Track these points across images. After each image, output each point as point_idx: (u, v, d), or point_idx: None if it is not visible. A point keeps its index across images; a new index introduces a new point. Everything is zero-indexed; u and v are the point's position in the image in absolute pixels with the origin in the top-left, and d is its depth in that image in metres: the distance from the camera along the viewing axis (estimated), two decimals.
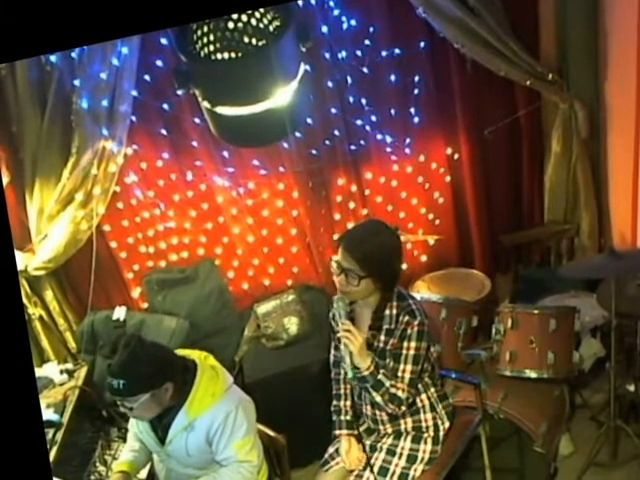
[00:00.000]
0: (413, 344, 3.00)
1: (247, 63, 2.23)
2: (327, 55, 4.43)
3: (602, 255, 3.90)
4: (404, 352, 3.01)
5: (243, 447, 3.01)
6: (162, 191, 4.65)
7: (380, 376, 3.01)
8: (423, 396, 3.21)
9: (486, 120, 4.78)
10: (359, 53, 4.47)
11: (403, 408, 3.09)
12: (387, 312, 3.05)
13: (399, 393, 3.02)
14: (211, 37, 2.34)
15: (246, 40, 2.39)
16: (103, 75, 4.04)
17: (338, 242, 3.01)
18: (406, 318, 2.99)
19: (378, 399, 3.04)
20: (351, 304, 3.15)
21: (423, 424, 3.23)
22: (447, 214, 5.16)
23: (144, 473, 3.38)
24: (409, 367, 3.02)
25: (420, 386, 3.18)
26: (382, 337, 3.07)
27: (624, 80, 4.30)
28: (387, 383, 3.01)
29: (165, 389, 2.88)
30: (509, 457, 3.86)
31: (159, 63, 4.23)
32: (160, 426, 3.07)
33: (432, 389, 3.24)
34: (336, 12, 4.35)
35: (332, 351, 3.37)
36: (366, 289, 2.98)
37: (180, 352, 3.13)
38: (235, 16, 2.33)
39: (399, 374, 3.03)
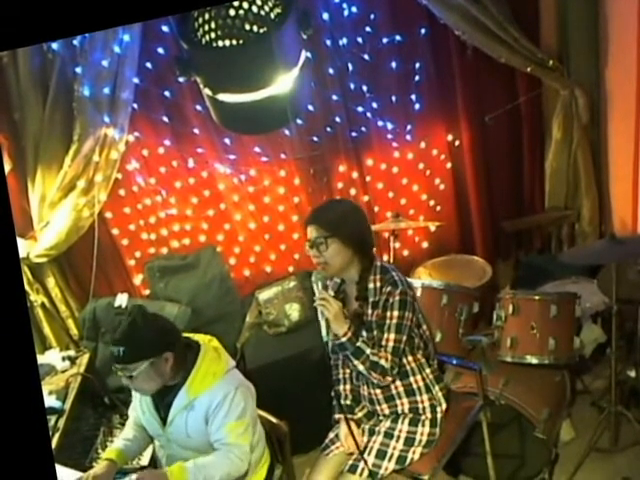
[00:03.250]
0: (396, 313, 3.02)
1: (248, 50, 2.22)
2: (328, 42, 4.44)
3: (603, 241, 3.90)
4: (387, 322, 3.04)
5: (235, 429, 3.00)
6: (164, 178, 4.66)
7: (359, 343, 3.03)
8: (418, 377, 3.22)
9: (487, 107, 4.80)
10: (360, 40, 4.48)
11: (388, 378, 3.08)
12: (371, 285, 3.09)
13: (382, 362, 3.03)
14: (212, 24, 2.34)
15: (247, 27, 2.39)
16: (105, 62, 4.05)
17: (304, 223, 3.11)
18: (388, 288, 3.03)
19: (361, 368, 3.05)
20: (341, 285, 3.17)
21: (419, 405, 3.24)
22: (448, 200, 5.18)
23: (146, 460, 3.40)
24: (392, 336, 3.03)
25: (415, 366, 3.20)
26: (369, 310, 3.10)
27: (624, 66, 4.30)
28: (367, 350, 3.03)
29: (165, 358, 2.90)
30: (510, 443, 3.86)
31: (160, 50, 4.24)
32: (162, 406, 3.09)
33: (427, 370, 3.25)
34: None
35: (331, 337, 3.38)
36: (338, 252, 3.02)
37: (185, 335, 3.16)
38: (236, 3, 2.33)
39: (383, 343, 3.05)
